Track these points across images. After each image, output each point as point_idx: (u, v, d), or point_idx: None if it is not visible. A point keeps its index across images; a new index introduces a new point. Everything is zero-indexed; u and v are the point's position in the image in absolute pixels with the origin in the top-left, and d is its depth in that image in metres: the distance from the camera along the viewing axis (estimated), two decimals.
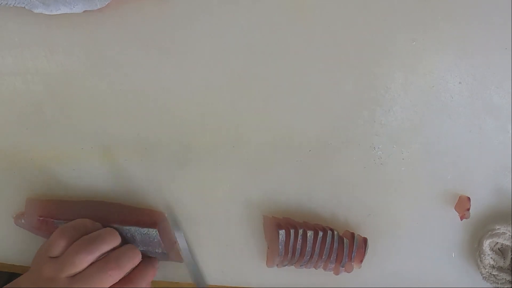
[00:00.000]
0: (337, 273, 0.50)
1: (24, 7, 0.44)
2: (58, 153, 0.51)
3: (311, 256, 0.49)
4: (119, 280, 0.45)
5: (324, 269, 0.51)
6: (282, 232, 0.48)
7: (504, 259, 0.48)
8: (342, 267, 0.50)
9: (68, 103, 0.50)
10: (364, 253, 0.50)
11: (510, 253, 0.48)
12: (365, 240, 0.50)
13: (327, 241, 0.49)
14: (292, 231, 0.48)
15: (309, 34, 0.46)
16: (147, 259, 0.49)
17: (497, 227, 0.48)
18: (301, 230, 0.49)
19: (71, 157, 0.51)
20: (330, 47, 0.47)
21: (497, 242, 0.49)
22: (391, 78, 0.47)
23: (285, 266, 0.50)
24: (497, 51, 0.46)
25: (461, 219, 0.49)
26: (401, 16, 0.45)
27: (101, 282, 0.43)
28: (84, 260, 0.44)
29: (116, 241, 0.47)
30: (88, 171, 0.52)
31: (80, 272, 0.44)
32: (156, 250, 0.49)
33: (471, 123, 0.48)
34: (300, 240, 0.48)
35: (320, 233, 0.49)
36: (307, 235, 0.48)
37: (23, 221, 0.52)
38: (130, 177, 0.52)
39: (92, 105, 0.50)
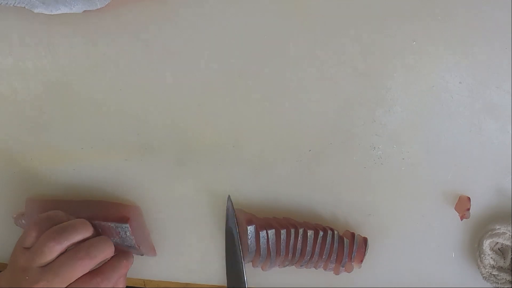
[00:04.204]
0: (337, 273, 0.50)
1: (24, 7, 0.44)
2: (58, 153, 0.51)
3: (311, 256, 0.49)
4: (90, 271, 0.45)
5: (324, 269, 0.51)
6: (283, 232, 0.48)
7: (504, 259, 0.48)
8: (342, 267, 0.50)
9: (68, 103, 0.50)
10: (364, 253, 0.50)
11: (510, 253, 0.48)
12: (365, 240, 0.50)
13: (327, 241, 0.49)
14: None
15: (308, 33, 0.46)
16: (122, 252, 0.49)
17: (497, 227, 0.48)
18: (302, 229, 0.49)
19: (71, 157, 0.51)
20: (330, 47, 0.47)
21: (497, 242, 0.49)
22: (391, 78, 0.47)
23: (286, 266, 0.51)
24: (497, 51, 0.46)
25: (461, 219, 0.49)
26: (401, 16, 0.46)
27: (71, 271, 0.44)
28: (53, 250, 0.44)
29: (87, 231, 0.46)
30: (88, 171, 0.52)
31: (51, 262, 0.44)
32: (128, 244, 0.49)
33: (471, 123, 0.48)
34: (301, 240, 0.48)
35: (321, 233, 0.49)
36: (308, 235, 0.48)
37: (23, 221, 0.52)
38: (130, 177, 0.52)
39: (92, 105, 0.50)
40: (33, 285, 0.43)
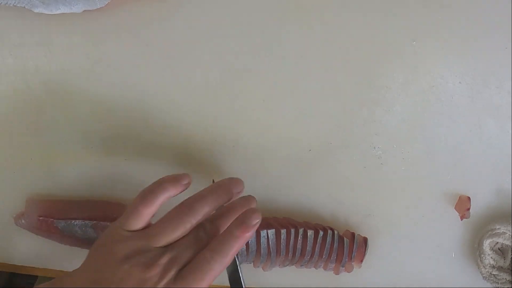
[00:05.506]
0: (337, 273, 0.50)
1: (24, 7, 0.44)
2: (58, 153, 0.51)
3: (311, 256, 0.49)
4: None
5: (324, 269, 0.51)
6: (283, 232, 0.48)
7: (504, 259, 0.48)
8: (342, 267, 0.50)
9: (68, 103, 0.50)
10: (364, 253, 0.50)
11: (510, 253, 0.48)
12: (365, 240, 0.50)
13: (327, 241, 0.49)
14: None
15: (309, 34, 0.46)
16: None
17: (497, 227, 0.48)
18: (302, 229, 0.49)
19: (71, 157, 0.51)
20: (330, 47, 0.47)
21: (497, 242, 0.49)
22: (391, 78, 0.47)
23: (286, 266, 0.51)
24: (497, 51, 0.46)
25: (461, 219, 0.49)
26: (401, 16, 0.45)
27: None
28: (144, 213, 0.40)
29: (186, 180, 0.42)
30: (88, 171, 0.52)
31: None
32: None
33: (471, 123, 0.48)
34: (301, 240, 0.48)
35: (321, 233, 0.49)
36: (308, 235, 0.48)
37: (23, 221, 0.52)
38: (130, 177, 0.52)
39: (92, 105, 0.50)
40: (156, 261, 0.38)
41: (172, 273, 0.38)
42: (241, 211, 0.41)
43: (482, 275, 0.49)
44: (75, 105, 0.50)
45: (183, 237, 0.40)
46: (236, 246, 0.39)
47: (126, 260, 0.38)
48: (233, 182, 0.43)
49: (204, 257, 0.38)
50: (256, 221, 0.40)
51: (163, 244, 0.39)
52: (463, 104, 0.47)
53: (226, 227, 0.41)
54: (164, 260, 0.38)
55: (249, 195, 0.44)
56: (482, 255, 0.49)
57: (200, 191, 0.42)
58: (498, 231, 0.48)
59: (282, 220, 0.50)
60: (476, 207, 0.49)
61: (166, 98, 0.49)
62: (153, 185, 0.41)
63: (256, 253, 0.49)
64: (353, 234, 0.50)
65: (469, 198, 0.49)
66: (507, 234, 0.48)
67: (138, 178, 0.52)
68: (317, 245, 0.49)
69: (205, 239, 0.40)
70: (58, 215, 0.50)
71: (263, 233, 0.48)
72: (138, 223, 0.40)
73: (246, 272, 0.52)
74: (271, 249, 0.49)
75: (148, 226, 0.41)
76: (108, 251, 0.39)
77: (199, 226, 0.41)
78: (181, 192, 0.42)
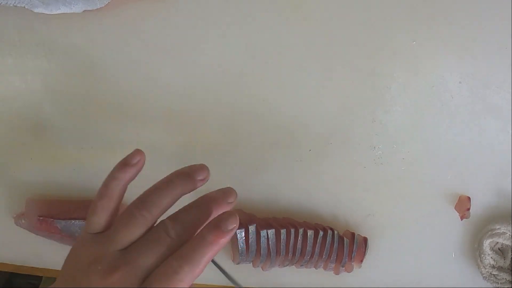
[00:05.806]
0: (337, 273, 0.51)
1: (24, 7, 0.44)
2: (58, 153, 0.51)
3: (311, 256, 0.49)
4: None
5: (324, 269, 0.51)
6: (283, 232, 0.48)
7: (504, 259, 0.48)
8: (342, 267, 0.50)
9: (68, 103, 0.50)
10: (364, 253, 0.50)
11: (510, 253, 0.48)
12: (365, 240, 0.50)
13: (327, 241, 0.49)
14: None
15: (309, 34, 0.46)
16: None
17: (497, 227, 0.48)
18: (302, 229, 0.49)
19: (71, 157, 0.51)
20: (330, 47, 0.47)
21: (497, 242, 0.49)
22: (391, 78, 0.47)
23: (286, 266, 0.50)
24: (497, 51, 0.46)
25: (461, 219, 0.49)
26: (401, 16, 0.46)
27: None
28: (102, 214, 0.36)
29: (139, 158, 0.38)
30: (88, 171, 0.52)
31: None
32: None
33: (471, 123, 0.48)
34: (301, 239, 0.48)
35: (321, 233, 0.49)
36: (308, 235, 0.48)
37: (23, 221, 0.52)
38: None
39: (92, 105, 0.50)
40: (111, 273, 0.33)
41: (134, 279, 0.33)
42: (211, 206, 0.36)
43: (482, 275, 0.49)
44: (75, 105, 0.50)
45: (142, 236, 0.34)
46: (209, 254, 0.33)
47: (88, 268, 0.34)
48: (195, 169, 0.37)
49: (171, 265, 0.33)
50: (233, 225, 0.34)
51: (122, 246, 0.34)
52: (463, 104, 0.47)
53: (190, 224, 0.35)
54: (121, 264, 0.33)
55: (228, 187, 0.37)
56: (482, 255, 0.49)
57: (157, 182, 0.37)
58: (498, 231, 0.48)
59: (282, 220, 0.50)
60: (476, 207, 0.49)
61: (166, 98, 0.49)
62: (105, 179, 0.37)
63: (256, 253, 0.49)
64: (353, 234, 0.50)
65: (469, 198, 0.49)
66: (507, 234, 0.48)
67: (138, 179, 0.52)
68: (317, 245, 0.49)
69: (167, 239, 0.34)
70: (58, 215, 0.50)
71: (263, 233, 0.48)
72: (99, 222, 0.36)
73: (246, 272, 0.52)
74: (271, 249, 0.49)
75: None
76: (75, 258, 0.36)
77: (159, 224, 0.35)
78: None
